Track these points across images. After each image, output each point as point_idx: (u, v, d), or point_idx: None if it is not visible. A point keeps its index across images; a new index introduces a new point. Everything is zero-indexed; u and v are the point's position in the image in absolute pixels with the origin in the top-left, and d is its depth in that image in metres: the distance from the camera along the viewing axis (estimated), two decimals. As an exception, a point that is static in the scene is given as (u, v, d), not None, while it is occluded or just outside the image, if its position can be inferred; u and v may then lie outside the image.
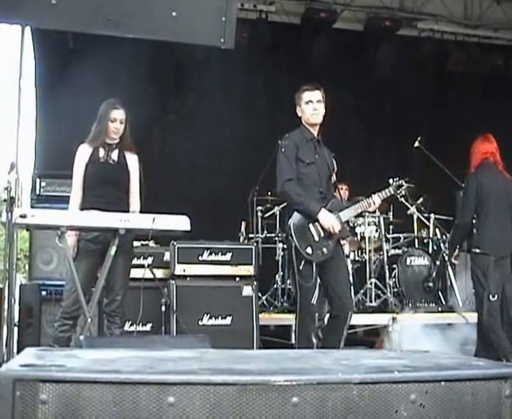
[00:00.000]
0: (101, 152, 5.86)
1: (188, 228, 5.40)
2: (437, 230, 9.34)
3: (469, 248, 7.15)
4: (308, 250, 5.95)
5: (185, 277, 6.94)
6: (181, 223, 5.39)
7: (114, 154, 5.91)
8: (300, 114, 6.26)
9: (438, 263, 9.09)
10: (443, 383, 1.95)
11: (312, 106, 6.18)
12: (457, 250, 7.71)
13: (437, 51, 11.98)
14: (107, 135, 5.86)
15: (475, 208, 7.06)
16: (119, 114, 5.87)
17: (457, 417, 1.93)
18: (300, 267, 5.94)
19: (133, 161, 6.00)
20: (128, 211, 5.72)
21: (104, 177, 5.79)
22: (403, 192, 6.90)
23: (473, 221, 7.07)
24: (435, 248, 9.28)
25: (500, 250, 7.00)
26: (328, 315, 6.38)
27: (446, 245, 8.97)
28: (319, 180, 6.19)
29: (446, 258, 8.97)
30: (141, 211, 5.90)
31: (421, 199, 9.52)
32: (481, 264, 6.93)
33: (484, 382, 1.99)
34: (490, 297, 6.81)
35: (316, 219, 6.01)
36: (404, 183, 6.78)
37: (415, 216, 9.45)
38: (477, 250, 6.99)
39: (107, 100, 5.93)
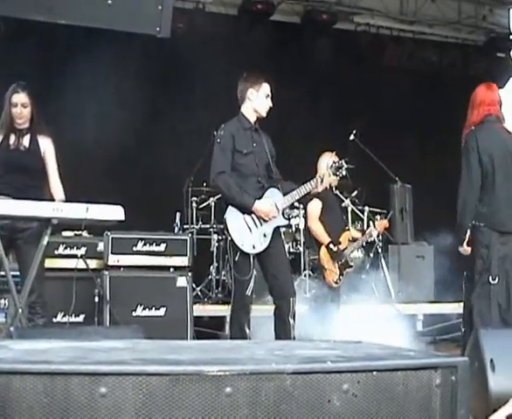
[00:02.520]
0: (12, 138, 5.75)
1: (122, 218, 5.34)
2: (371, 222, 9.45)
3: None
4: (245, 243, 5.95)
5: (119, 267, 6.87)
6: (115, 212, 5.33)
7: (26, 140, 5.79)
8: (250, 98, 6.19)
9: (371, 255, 9.20)
10: (375, 373, 1.97)
11: (269, 102, 6.18)
12: (468, 233, 5.94)
13: (373, 46, 12.14)
14: (13, 121, 5.76)
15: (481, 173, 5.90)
16: (19, 98, 5.75)
17: (388, 406, 1.96)
18: (237, 259, 5.93)
19: (46, 145, 5.88)
20: (41, 199, 5.54)
21: (12, 164, 5.67)
22: (343, 173, 6.91)
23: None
24: (368, 240, 9.40)
25: (506, 225, 5.91)
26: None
27: (380, 237, 9.07)
28: (257, 169, 6.17)
29: (380, 251, 9.09)
30: (72, 200, 5.81)
31: (356, 192, 9.62)
32: (483, 240, 5.84)
33: (415, 372, 2.02)
34: (490, 279, 5.78)
35: (252, 212, 6.01)
36: (343, 164, 6.80)
37: (349, 209, 9.54)
38: (479, 224, 5.86)
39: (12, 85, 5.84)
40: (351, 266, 7.74)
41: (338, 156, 7.34)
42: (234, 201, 5.99)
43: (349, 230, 8.22)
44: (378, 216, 9.09)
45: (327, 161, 7.46)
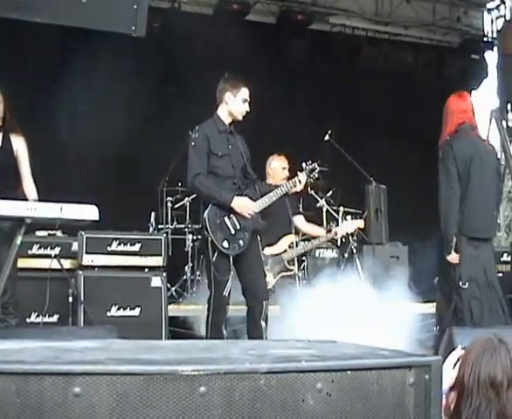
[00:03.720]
0: None
1: (96, 217, 5.32)
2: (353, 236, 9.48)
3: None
4: (225, 243, 5.96)
5: (93, 267, 6.85)
6: (89, 212, 5.30)
7: None
8: (227, 101, 6.19)
9: (346, 255, 9.23)
10: (349, 372, 1.97)
11: (246, 106, 6.18)
12: (454, 240, 6.03)
13: (348, 46, 12.18)
14: None
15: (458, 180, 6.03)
16: None
17: (363, 405, 1.97)
18: (215, 260, 5.94)
19: (19, 143, 5.85)
20: (15, 198, 5.50)
21: None
22: (316, 175, 6.95)
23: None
24: (343, 240, 9.42)
25: (480, 231, 6.11)
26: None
27: (355, 238, 9.10)
28: (233, 171, 6.18)
29: (354, 251, 9.11)
30: (44, 199, 5.77)
31: (330, 192, 9.65)
32: (457, 245, 5.97)
33: (389, 371, 2.03)
34: (461, 283, 5.95)
35: (230, 208, 6.01)
36: (316, 167, 6.84)
37: (324, 209, 9.56)
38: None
39: None
40: (289, 270, 7.83)
41: (287, 159, 7.46)
42: (213, 199, 6.00)
43: (291, 234, 8.27)
44: (349, 217, 9.11)
45: (280, 164, 7.57)
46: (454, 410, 2.90)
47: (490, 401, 2.74)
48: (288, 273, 7.90)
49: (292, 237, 8.13)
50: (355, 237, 9.10)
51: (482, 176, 6.10)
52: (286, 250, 8.01)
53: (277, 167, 8.35)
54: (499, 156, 6.51)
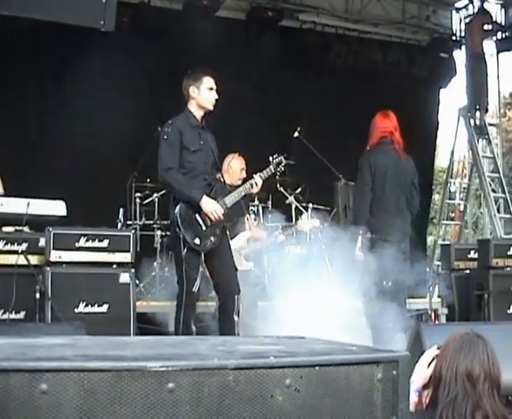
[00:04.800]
0: None
1: (64, 213, 5.30)
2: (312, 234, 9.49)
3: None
4: (196, 240, 5.97)
5: (61, 263, 6.77)
6: (57, 208, 5.28)
7: None
8: (193, 95, 6.18)
9: (315, 251, 9.24)
10: (317, 368, 1.97)
11: (213, 94, 6.17)
12: (360, 239, 6.82)
13: (318, 44, 12.22)
14: None
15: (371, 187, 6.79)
16: None
17: (331, 401, 1.97)
18: (186, 256, 5.93)
19: None
20: None
21: None
22: (282, 168, 6.97)
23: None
24: (312, 237, 9.43)
25: (390, 234, 6.65)
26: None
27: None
28: (204, 167, 6.19)
29: (324, 247, 9.13)
30: (11, 194, 5.72)
31: (299, 189, 9.66)
32: (372, 247, 6.65)
33: (357, 367, 2.04)
34: (384, 283, 6.49)
35: (199, 207, 6.01)
36: (283, 160, 6.86)
37: (293, 206, 9.58)
38: (371, 234, 6.72)
39: None
40: (246, 265, 7.87)
41: (244, 158, 7.49)
42: (183, 196, 6.00)
43: (247, 230, 8.30)
44: (304, 216, 9.13)
45: (240, 164, 7.59)
46: (430, 401, 2.95)
47: (467, 392, 2.79)
48: (244, 268, 7.88)
49: (248, 233, 8.13)
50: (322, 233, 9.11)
51: (395, 185, 6.82)
52: (242, 246, 7.99)
53: (237, 167, 8.32)
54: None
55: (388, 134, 6.93)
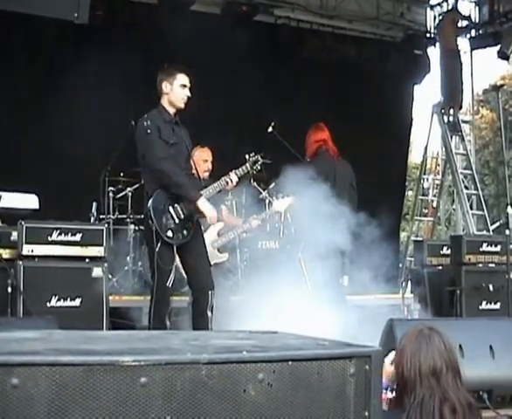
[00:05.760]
0: None
1: (36, 207, 5.26)
2: (288, 214, 9.49)
3: None
4: (169, 233, 5.96)
5: (33, 257, 6.73)
6: (29, 201, 5.24)
7: None
8: (166, 91, 6.16)
9: (289, 247, 9.25)
10: (290, 363, 1.98)
11: (186, 92, 6.14)
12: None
13: (293, 39, 12.23)
14: None
15: None
16: None
17: (304, 395, 1.98)
18: (159, 250, 5.91)
19: None
20: None
21: None
22: (258, 167, 6.97)
23: None
24: (286, 232, 9.44)
25: None
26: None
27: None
28: (179, 161, 6.18)
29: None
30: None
31: (273, 184, 9.66)
32: None
33: (330, 362, 2.05)
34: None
35: (179, 198, 6.00)
36: (259, 159, 6.86)
37: (267, 201, 9.58)
38: None
39: None
40: (220, 258, 7.87)
41: (212, 151, 7.48)
42: (178, 189, 5.98)
43: (220, 221, 8.30)
44: (280, 195, 9.12)
45: (202, 155, 7.58)
46: (397, 403, 2.96)
47: (433, 390, 2.80)
48: (219, 261, 7.86)
49: (220, 224, 8.08)
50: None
51: (337, 188, 7.51)
52: (214, 239, 7.95)
53: (198, 158, 8.19)
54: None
55: (323, 143, 7.94)
